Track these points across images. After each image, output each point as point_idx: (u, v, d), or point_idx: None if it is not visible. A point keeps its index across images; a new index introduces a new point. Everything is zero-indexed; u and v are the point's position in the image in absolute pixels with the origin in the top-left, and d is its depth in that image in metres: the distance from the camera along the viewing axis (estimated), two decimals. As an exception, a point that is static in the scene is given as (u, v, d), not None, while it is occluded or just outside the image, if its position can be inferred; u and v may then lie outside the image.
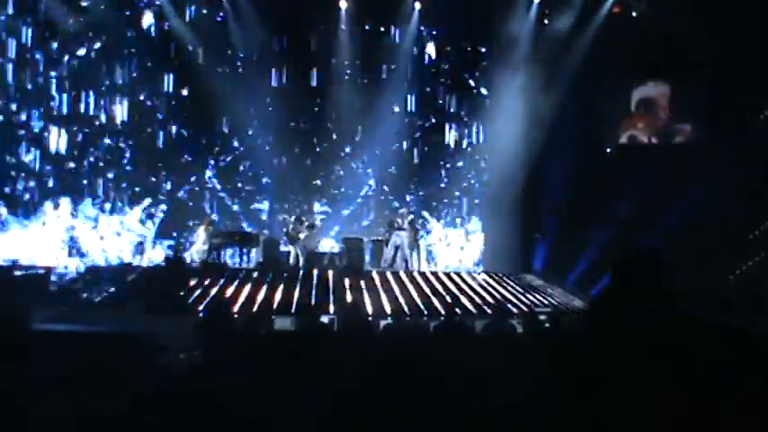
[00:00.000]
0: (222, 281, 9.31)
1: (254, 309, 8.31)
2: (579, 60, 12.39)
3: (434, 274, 10.76)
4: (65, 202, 11.67)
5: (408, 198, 14.01)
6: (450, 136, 14.33)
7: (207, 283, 9.16)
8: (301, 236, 11.56)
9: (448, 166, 14.25)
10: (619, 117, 13.30)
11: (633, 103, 13.21)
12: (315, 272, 9.96)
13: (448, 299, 9.10)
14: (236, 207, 13.62)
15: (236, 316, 7.34)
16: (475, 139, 14.15)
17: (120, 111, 12.64)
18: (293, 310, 8.19)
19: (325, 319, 6.38)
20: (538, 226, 12.91)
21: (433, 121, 14.31)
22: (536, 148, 12.80)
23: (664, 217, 11.71)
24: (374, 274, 10.20)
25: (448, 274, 10.81)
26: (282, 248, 12.02)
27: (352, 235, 12.72)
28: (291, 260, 11.55)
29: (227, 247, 11.85)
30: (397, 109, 13.93)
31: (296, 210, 12.29)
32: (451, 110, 14.23)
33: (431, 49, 13.94)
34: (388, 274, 10.27)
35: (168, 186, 13.14)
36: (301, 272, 10.07)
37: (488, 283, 10.46)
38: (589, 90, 12.65)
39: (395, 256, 11.32)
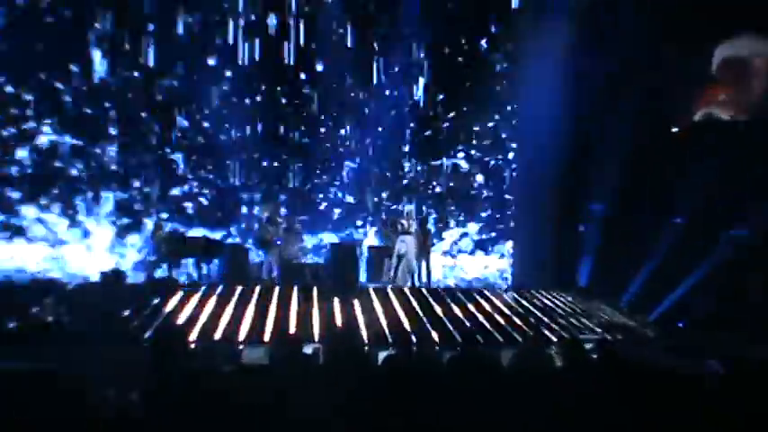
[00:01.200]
0: (175, 301, 9.37)
1: (217, 337, 8.31)
2: (633, 13, 12.25)
3: (449, 290, 10.78)
4: None
5: (414, 197, 14.26)
6: (467, 122, 14.47)
7: (155, 303, 9.20)
8: (277, 241, 11.62)
9: (464, 157, 14.45)
10: (691, 87, 13.00)
11: (715, 65, 12.64)
12: (295, 288, 10.01)
13: (466, 323, 9.15)
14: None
15: (192, 346, 7.36)
16: (499, 125, 14.26)
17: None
18: (267, 339, 8.23)
19: (308, 349, 6.40)
20: (578, 232, 12.92)
21: (446, 105, 14.45)
22: (577, 133, 12.77)
23: (744, 222, 11.66)
24: (371, 291, 10.24)
25: (467, 292, 10.86)
26: (254, 258, 12.11)
27: (344, 240, 12.83)
28: (264, 273, 11.59)
29: (183, 258, 11.94)
30: (400, 92, 14.15)
31: (269, 207, 12.31)
32: (468, 90, 14.34)
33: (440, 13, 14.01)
34: (390, 291, 10.30)
35: None
36: (277, 288, 10.11)
37: (518, 303, 10.51)
38: (648, 53, 12.48)
39: (398, 268, 11.35)
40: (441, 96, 14.48)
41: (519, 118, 13.94)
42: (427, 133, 14.58)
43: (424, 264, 11.86)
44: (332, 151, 14.30)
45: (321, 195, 14.44)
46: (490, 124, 14.40)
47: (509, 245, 14.32)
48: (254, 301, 9.49)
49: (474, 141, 14.47)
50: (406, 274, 11.35)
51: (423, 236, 11.82)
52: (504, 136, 14.32)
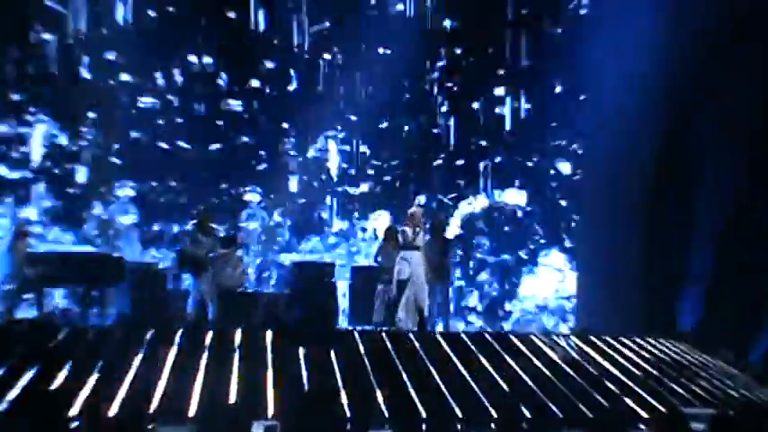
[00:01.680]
0: (49, 352, 9.36)
1: (114, 410, 8.21)
2: None
3: (478, 336, 10.85)
4: None
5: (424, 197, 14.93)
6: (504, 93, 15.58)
7: (16, 356, 9.14)
8: (210, 258, 11.73)
9: (499, 145, 15.54)
10: None
11: None
12: (238, 332, 10.09)
13: (505, 387, 9.24)
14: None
15: (75, 425, 7.33)
16: (554, 92, 15.21)
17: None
18: (195, 412, 8.26)
19: (258, 428, 6.43)
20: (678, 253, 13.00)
21: (474, 67, 15.58)
22: (676, 104, 12.95)
23: None
24: (357, 338, 10.32)
25: (505, 336, 10.96)
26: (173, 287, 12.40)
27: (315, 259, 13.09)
28: (190, 308, 11.70)
29: (60, 284, 12.03)
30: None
31: (198, 207, 12.51)
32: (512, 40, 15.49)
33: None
34: (385, 337, 10.39)
35: None
36: (210, 332, 10.16)
37: (586, 356, 10.65)
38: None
39: (398, 301, 11.39)
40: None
41: (588, 92, 14.56)
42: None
43: (439, 292, 12.05)
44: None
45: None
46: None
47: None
48: (173, 353, 9.50)
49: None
50: (411, 311, 11.37)
51: (439, 251, 11.95)
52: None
